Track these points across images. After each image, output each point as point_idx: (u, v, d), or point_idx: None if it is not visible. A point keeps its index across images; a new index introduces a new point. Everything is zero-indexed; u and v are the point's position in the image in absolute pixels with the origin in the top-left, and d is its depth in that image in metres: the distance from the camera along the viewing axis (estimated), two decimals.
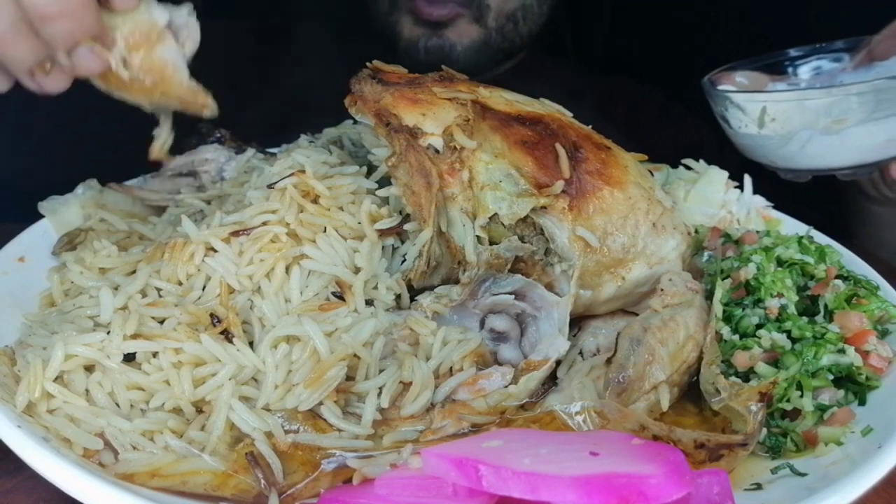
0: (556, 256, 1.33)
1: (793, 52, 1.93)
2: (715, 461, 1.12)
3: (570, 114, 1.50)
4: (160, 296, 1.26)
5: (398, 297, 1.31)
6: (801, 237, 1.49)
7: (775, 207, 1.78)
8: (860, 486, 1.05)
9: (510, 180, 1.31)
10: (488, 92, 1.43)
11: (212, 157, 1.71)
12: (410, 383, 1.18)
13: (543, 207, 1.31)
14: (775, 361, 1.27)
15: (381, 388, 1.17)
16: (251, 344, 1.20)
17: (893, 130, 1.63)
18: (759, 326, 1.32)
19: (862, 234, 2.19)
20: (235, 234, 1.29)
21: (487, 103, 1.39)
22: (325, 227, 1.31)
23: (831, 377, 1.26)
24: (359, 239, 1.32)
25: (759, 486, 1.13)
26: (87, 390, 1.13)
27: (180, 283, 1.28)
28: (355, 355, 1.17)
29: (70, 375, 1.14)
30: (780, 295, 1.35)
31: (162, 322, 1.20)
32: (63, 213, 1.62)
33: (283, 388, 1.14)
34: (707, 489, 1.00)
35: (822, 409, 1.23)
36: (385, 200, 1.38)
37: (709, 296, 1.40)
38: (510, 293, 1.28)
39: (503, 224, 1.31)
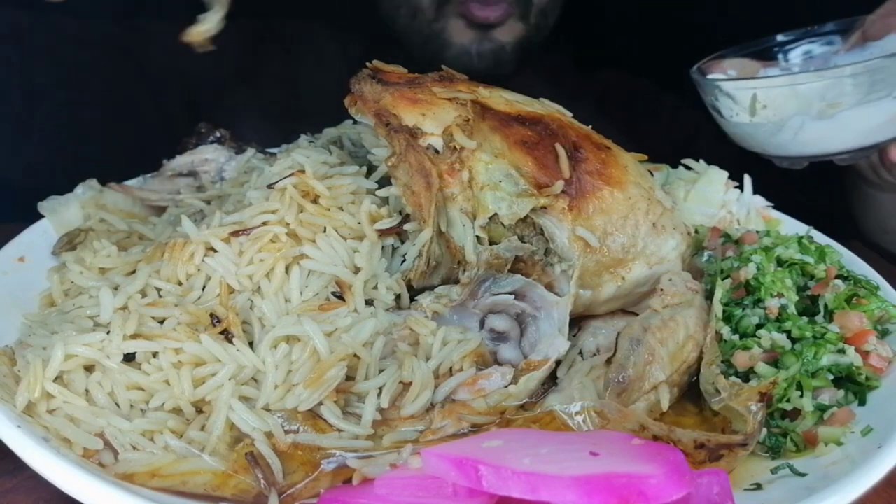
0: (555, 256, 1.33)
1: (782, 38, 1.90)
2: (715, 461, 1.12)
3: (569, 114, 1.50)
4: (160, 296, 1.26)
5: (398, 297, 1.31)
6: (801, 237, 1.49)
7: (777, 200, 1.77)
8: (860, 486, 1.05)
9: (510, 180, 1.31)
10: (488, 92, 1.43)
11: (212, 157, 1.71)
12: (410, 383, 1.18)
13: (543, 207, 1.31)
14: (775, 361, 1.27)
15: (380, 389, 1.17)
16: (251, 344, 1.20)
17: (889, 112, 1.60)
18: (759, 326, 1.32)
19: (865, 219, 2.18)
20: (235, 234, 1.29)
21: (487, 103, 1.39)
22: (325, 227, 1.31)
23: (831, 377, 1.26)
24: (359, 239, 1.32)
25: (759, 486, 1.13)
26: (87, 390, 1.14)
27: (180, 283, 1.28)
28: (355, 355, 1.17)
29: (70, 375, 1.14)
30: (780, 295, 1.35)
31: (162, 322, 1.20)
32: (63, 213, 1.62)
33: (283, 388, 1.14)
34: (707, 489, 1.00)
35: (822, 409, 1.23)
36: (385, 200, 1.38)
37: (709, 296, 1.40)
38: (510, 293, 1.28)
39: (503, 224, 1.31)
